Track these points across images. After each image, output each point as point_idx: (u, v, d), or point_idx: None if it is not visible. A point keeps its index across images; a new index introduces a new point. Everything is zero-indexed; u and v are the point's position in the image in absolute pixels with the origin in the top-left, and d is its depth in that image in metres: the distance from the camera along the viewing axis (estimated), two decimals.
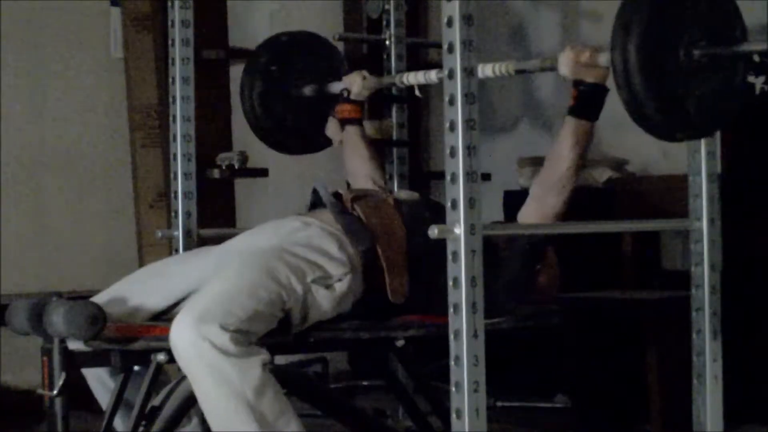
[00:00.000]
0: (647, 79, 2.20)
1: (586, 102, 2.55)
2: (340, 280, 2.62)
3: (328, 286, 2.60)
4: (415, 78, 3.03)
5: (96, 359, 2.51)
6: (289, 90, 3.32)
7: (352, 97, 3.19)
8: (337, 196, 2.83)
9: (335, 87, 3.25)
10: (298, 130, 3.37)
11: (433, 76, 2.94)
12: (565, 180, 2.60)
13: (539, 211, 2.64)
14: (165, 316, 2.70)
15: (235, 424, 2.36)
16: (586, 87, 2.54)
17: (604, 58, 2.48)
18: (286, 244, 2.64)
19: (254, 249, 2.65)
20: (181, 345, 2.37)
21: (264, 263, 2.54)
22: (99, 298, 2.61)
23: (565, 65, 2.55)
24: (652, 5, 2.22)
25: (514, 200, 4.59)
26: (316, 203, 2.86)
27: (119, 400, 2.60)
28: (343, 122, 3.22)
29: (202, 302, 2.42)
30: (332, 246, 2.65)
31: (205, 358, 2.34)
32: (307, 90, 3.32)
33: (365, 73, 3.20)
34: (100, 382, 2.71)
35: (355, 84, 3.18)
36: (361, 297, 2.68)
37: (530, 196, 2.69)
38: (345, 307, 2.64)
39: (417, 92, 3.14)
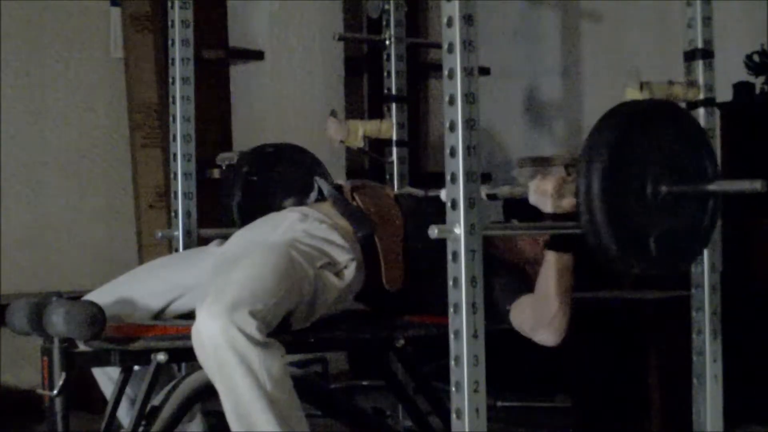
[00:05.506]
0: (608, 212, 2.13)
1: (562, 234, 2.44)
2: (346, 267, 2.63)
3: (337, 273, 2.61)
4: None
5: (96, 359, 2.51)
6: (270, 202, 3.26)
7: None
8: (337, 188, 2.85)
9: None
10: None
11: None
12: (557, 320, 2.49)
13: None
14: (162, 315, 2.70)
15: (254, 414, 2.33)
16: (560, 219, 2.41)
17: (574, 189, 2.32)
18: (293, 235, 2.64)
19: (264, 243, 2.64)
20: (209, 332, 2.31)
21: (281, 254, 2.53)
22: (96, 296, 2.60)
23: (535, 196, 2.44)
24: (620, 136, 2.15)
25: (514, 200, 4.59)
26: (319, 199, 2.88)
27: (120, 397, 2.60)
28: None
29: (229, 290, 2.37)
30: (334, 235, 2.66)
31: (234, 345, 2.30)
32: (288, 203, 3.25)
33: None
34: (105, 373, 2.71)
35: None
36: (360, 289, 2.68)
37: (517, 328, 2.58)
38: (345, 301, 2.65)
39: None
